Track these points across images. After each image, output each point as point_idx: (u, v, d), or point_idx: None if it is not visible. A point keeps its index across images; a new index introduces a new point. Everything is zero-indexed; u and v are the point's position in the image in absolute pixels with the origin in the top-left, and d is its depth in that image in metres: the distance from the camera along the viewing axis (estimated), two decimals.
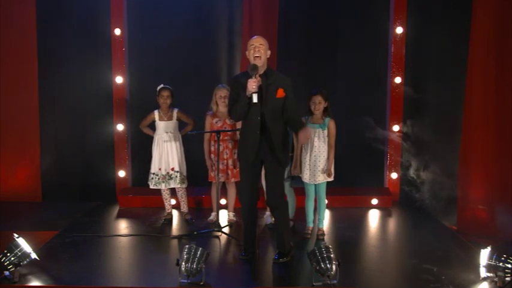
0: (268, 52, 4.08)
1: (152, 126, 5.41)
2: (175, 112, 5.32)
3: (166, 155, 5.27)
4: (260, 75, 4.00)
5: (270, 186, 4.20)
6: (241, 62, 6.33)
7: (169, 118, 5.30)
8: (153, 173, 5.30)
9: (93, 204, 6.12)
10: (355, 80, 6.32)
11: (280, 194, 4.20)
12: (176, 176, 5.28)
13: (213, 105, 5.17)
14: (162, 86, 5.25)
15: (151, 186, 5.34)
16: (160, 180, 5.27)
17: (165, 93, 5.22)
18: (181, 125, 5.42)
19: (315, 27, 6.34)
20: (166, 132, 5.28)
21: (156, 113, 5.31)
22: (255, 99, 3.90)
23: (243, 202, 4.24)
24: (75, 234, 4.90)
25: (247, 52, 4.08)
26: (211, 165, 5.17)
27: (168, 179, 5.28)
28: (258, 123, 4.01)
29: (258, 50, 3.99)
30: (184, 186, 5.36)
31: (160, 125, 5.30)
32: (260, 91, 3.96)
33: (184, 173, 5.34)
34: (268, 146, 4.04)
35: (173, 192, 5.49)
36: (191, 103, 6.03)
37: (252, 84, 3.88)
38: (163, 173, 5.26)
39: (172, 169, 5.27)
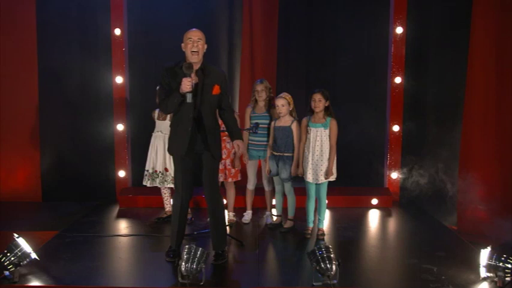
0: (205, 46, 3.98)
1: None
2: None
3: None
4: (196, 71, 3.91)
5: (208, 181, 4.12)
6: (241, 62, 6.34)
7: None
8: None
9: (93, 204, 6.12)
10: (355, 80, 6.33)
11: (218, 189, 4.17)
12: None
13: None
14: None
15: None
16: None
17: None
18: None
19: (315, 27, 6.35)
20: None
21: None
22: (189, 99, 3.79)
23: (176, 197, 4.18)
24: (75, 234, 4.90)
25: (183, 45, 3.95)
26: None
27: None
28: (190, 120, 3.94)
29: (196, 45, 3.88)
30: None
31: None
32: (196, 89, 3.88)
33: None
34: (204, 143, 4.00)
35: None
36: None
37: (187, 84, 3.76)
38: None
39: None
